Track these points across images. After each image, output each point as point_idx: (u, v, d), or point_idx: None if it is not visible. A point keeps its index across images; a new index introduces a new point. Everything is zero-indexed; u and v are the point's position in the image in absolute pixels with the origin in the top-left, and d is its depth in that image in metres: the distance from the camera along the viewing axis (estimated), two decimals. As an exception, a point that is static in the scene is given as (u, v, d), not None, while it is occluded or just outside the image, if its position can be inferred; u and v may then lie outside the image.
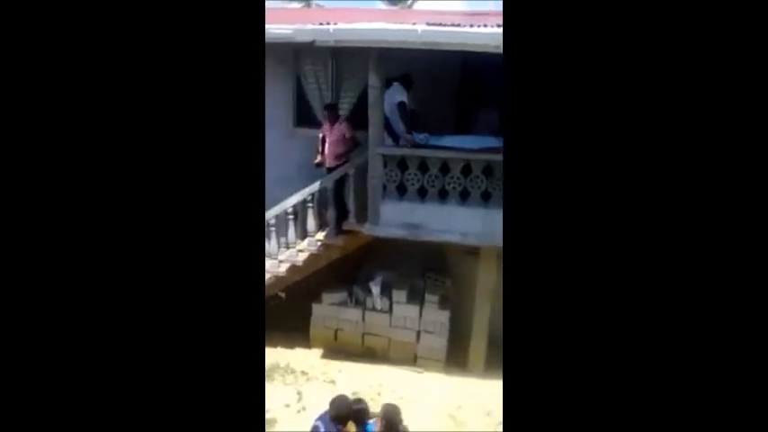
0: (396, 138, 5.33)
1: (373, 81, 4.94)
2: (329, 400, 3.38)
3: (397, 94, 5.30)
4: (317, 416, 3.32)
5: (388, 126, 5.26)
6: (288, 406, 4.99)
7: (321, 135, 5.71)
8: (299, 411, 4.89)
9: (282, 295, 5.95)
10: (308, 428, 3.27)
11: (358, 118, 5.56)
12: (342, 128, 5.65)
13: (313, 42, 4.91)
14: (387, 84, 5.16)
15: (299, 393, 5.17)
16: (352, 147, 5.62)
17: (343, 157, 5.57)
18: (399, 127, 5.29)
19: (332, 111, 5.70)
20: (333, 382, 5.38)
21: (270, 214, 5.71)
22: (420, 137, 5.27)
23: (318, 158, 5.70)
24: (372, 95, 4.98)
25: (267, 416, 4.80)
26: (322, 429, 3.16)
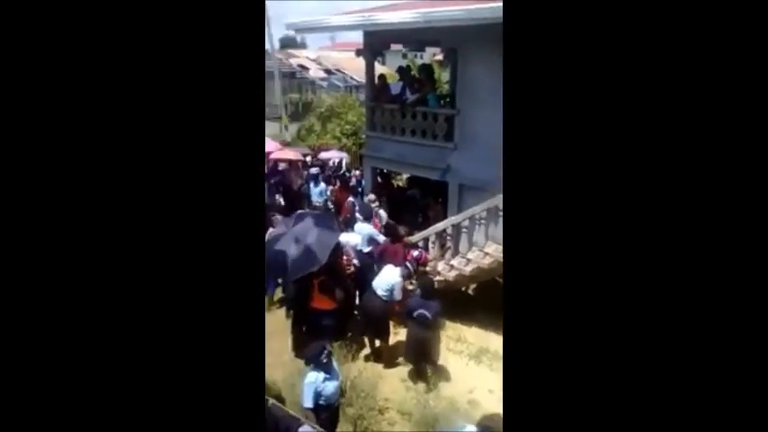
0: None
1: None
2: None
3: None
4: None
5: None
6: (491, 392, 5.00)
7: None
8: (501, 399, 4.84)
9: (500, 280, 5.91)
10: None
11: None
12: None
13: None
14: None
15: (505, 381, 5.11)
16: None
17: None
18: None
19: None
20: (542, 379, 5.16)
21: (499, 198, 5.69)
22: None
23: None
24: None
25: (470, 396, 4.89)
26: None
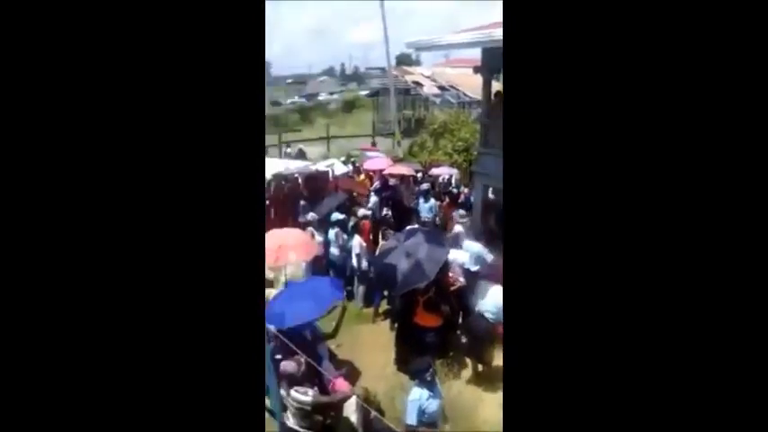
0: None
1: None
2: None
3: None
4: None
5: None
6: None
7: None
8: None
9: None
10: None
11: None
12: None
13: None
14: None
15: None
16: None
17: None
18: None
19: None
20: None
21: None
22: None
23: None
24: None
25: None
26: None
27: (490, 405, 5.04)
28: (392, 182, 10.58)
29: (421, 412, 3.78)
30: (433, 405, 3.83)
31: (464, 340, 5.59)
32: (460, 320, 5.83)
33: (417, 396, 3.78)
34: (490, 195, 9.07)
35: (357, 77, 68.66)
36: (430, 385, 3.85)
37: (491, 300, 5.24)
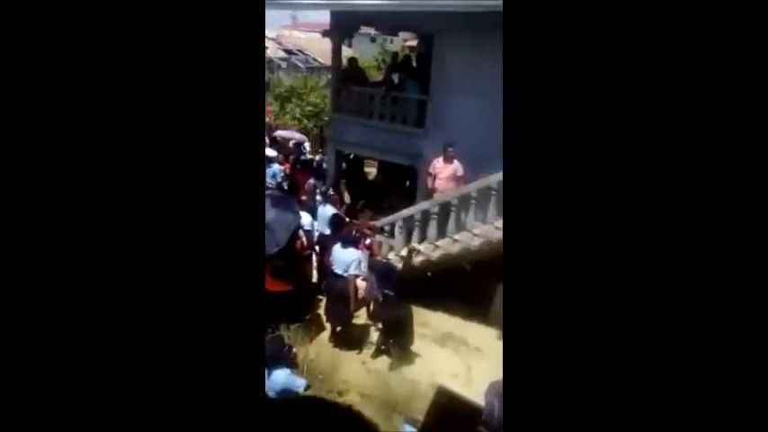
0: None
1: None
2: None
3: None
4: (494, 391, 3.19)
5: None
6: (456, 376, 5.04)
7: (432, 173, 6.40)
8: (465, 383, 4.89)
9: (468, 267, 5.92)
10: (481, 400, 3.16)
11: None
12: (455, 166, 6.24)
13: None
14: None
15: (469, 366, 5.19)
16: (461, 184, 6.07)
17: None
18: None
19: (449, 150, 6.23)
20: (506, 364, 5.26)
21: (472, 187, 5.70)
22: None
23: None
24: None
25: (432, 379, 4.89)
26: (497, 410, 3.02)
27: (349, 364, 5.14)
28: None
29: (287, 390, 3.69)
30: (298, 381, 3.78)
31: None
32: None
33: (282, 378, 3.68)
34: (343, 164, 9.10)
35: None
36: (288, 362, 3.79)
37: (337, 257, 5.27)
